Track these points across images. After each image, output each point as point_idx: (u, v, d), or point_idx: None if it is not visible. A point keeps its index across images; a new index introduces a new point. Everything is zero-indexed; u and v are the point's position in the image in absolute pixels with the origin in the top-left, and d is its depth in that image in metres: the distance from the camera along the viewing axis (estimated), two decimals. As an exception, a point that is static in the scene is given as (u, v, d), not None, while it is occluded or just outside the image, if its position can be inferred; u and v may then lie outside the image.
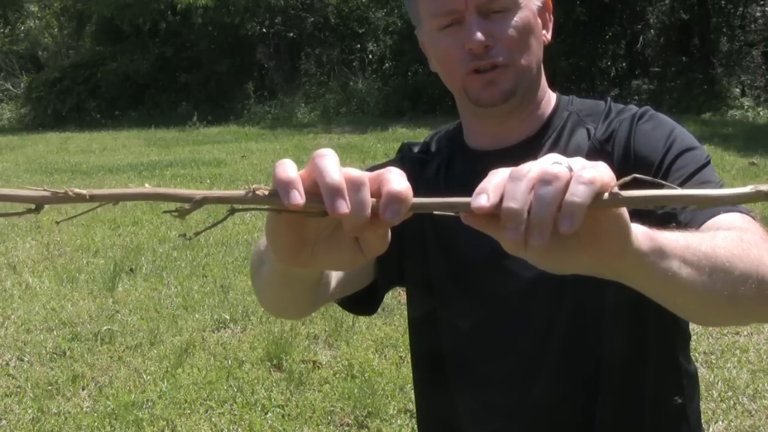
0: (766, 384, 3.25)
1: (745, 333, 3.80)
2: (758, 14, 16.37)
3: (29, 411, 3.22)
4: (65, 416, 3.19)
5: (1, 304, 4.58)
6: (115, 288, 4.77)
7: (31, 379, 3.52)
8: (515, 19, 1.02)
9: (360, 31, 17.94)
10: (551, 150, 1.06)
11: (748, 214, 0.92)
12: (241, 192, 0.58)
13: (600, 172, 0.58)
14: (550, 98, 1.13)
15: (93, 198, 0.55)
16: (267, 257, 0.80)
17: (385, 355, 3.67)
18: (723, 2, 16.46)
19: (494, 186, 0.58)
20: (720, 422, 2.96)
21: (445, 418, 1.16)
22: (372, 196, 0.59)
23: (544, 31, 1.09)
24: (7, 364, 3.72)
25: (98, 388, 3.45)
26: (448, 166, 1.14)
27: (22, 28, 20.86)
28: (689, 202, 0.60)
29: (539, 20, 1.07)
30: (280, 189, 0.57)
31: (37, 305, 4.51)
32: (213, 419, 3.14)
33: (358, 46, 18.20)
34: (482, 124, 1.11)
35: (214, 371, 3.55)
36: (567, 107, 1.13)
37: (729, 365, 3.43)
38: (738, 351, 3.57)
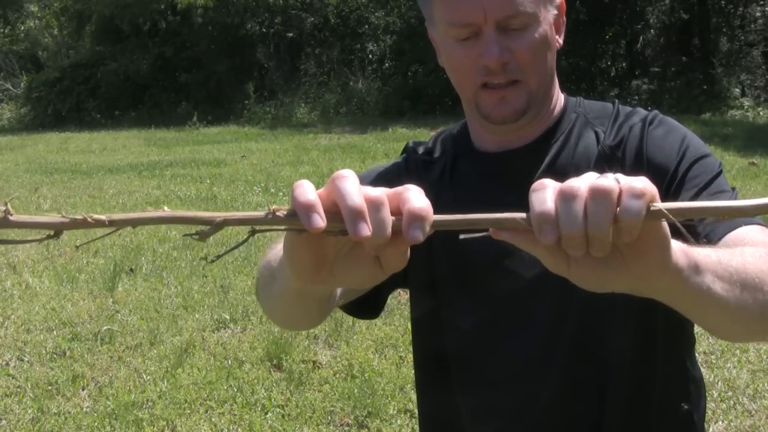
0: (766, 384, 3.25)
1: (745, 333, 3.80)
2: (758, 14, 16.38)
3: (29, 411, 3.22)
4: (65, 416, 3.19)
5: (1, 304, 4.58)
6: (115, 288, 4.77)
7: (31, 379, 3.52)
8: (534, 35, 1.00)
9: (360, 31, 17.94)
10: (559, 153, 1.07)
11: (766, 226, 0.92)
12: (260, 213, 0.58)
13: (647, 184, 0.58)
14: (559, 99, 1.12)
15: (112, 223, 0.56)
16: (281, 274, 0.79)
17: (385, 355, 3.67)
18: (723, 2, 16.46)
19: (547, 211, 0.58)
20: (720, 422, 2.95)
21: (447, 418, 1.16)
22: (392, 214, 0.59)
23: (558, 37, 1.08)
24: (7, 364, 3.72)
25: (98, 388, 3.45)
26: (453, 168, 1.13)
27: (22, 28, 20.87)
28: (724, 213, 0.60)
29: (554, 29, 1.05)
30: (300, 212, 0.58)
31: (37, 305, 4.51)
32: (213, 419, 3.14)
33: (358, 46, 18.20)
34: (490, 131, 1.11)
35: (214, 371, 3.55)
36: (575, 109, 1.12)
37: (729, 365, 3.43)
38: (738, 351, 3.57)
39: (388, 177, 1.16)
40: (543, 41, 1.02)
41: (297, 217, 0.58)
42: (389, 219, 0.58)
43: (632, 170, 1.00)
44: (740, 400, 3.12)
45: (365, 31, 17.91)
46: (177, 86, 16.84)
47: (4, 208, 0.54)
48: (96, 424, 3.11)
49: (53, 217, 0.55)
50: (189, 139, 12.99)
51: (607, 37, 16.41)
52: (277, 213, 0.58)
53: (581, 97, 1.17)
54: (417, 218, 0.58)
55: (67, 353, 3.82)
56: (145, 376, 3.53)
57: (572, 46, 14.72)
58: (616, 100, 1.16)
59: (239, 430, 3.07)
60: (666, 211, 0.58)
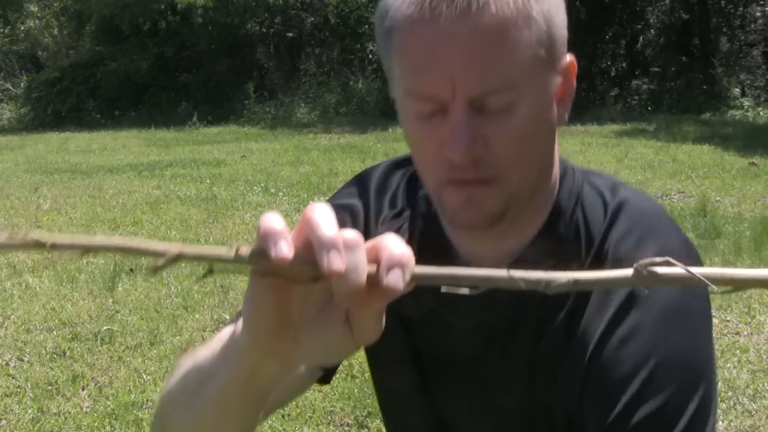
0: (766, 384, 3.25)
1: (745, 333, 3.80)
2: (758, 14, 16.38)
3: (29, 411, 3.22)
4: (65, 416, 3.19)
5: (1, 304, 4.58)
6: (115, 288, 4.77)
7: (31, 379, 3.52)
8: (519, 117, 0.75)
9: (360, 31, 17.93)
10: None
11: None
12: (221, 249, 0.52)
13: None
14: (554, 191, 0.87)
15: (54, 246, 0.51)
16: (219, 369, 0.66)
17: (385, 355, 3.67)
18: (723, 2, 16.47)
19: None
20: (720, 422, 2.95)
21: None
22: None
23: (563, 109, 0.82)
24: (7, 364, 3.72)
25: (98, 388, 3.45)
26: (420, 252, 0.94)
27: (22, 28, 20.85)
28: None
29: (554, 102, 0.80)
30: (265, 241, 0.51)
31: (37, 305, 4.51)
32: (213, 419, 3.14)
33: (358, 46, 18.19)
34: (459, 235, 0.90)
35: (214, 371, 3.55)
36: (566, 218, 0.86)
37: (729, 365, 3.43)
38: (738, 351, 3.57)
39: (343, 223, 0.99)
40: (535, 125, 0.77)
41: (263, 256, 0.51)
42: (365, 263, 0.51)
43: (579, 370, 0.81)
44: (740, 400, 3.12)
45: (365, 31, 17.90)
46: (177, 86, 16.84)
47: None
48: (96, 424, 3.11)
49: None
50: (189, 139, 12.99)
51: (607, 37, 16.41)
52: (241, 250, 0.51)
53: (582, 177, 0.89)
54: (397, 263, 0.51)
55: (67, 353, 3.82)
56: (145, 376, 3.53)
57: (572, 46, 14.68)
58: (618, 195, 0.87)
59: (239, 430, 3.06)
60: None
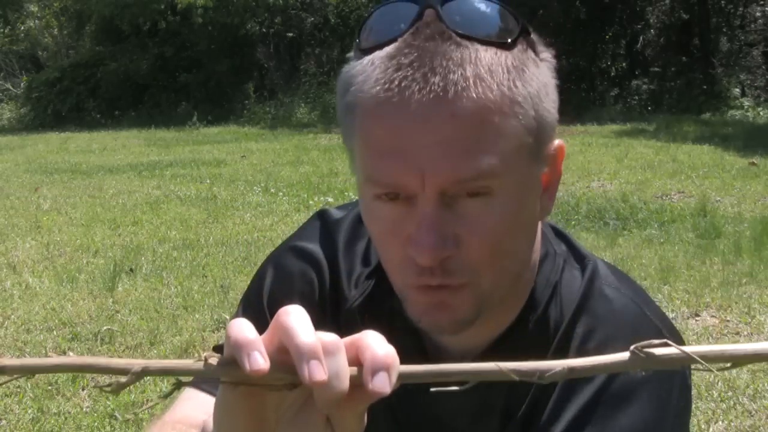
0: (766, 384, 3.25)
1: (745, 333, 3.80)
2: (758, 14, 16.38)
3: (29, 411, 3.22)
4: (65, 416, 3.19)
5: (1, 304, 4.58)
6: (115, 288, 4.77)
7: (31, 379, 3.52)
8: (495, 214, 0.66)
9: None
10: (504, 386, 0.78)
11: None
12: (189, 361, 0.49)
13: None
14: (531, 279, 0.80)
15: (3, 370, 0.49)
16: None
17: (385, 355, 3.67)
18: (723, 2, 16.47)
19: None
20: (720, 422, 2.95)
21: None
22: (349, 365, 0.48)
23: (544, 202, 0.74)
24: None
25: (98, 388, 3.44)
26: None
27: (22, 28, 20.85)
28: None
29: (538, 195, 0.72)
30: (238, 353, 0.47)
31: (37, 305, 4.51)
32: (213, 419, 3.14)
33: (358, 46, 18.20)
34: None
35: (214, 371, 3.55)
36: (546, 305, 0.80)
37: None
38: (738, 351, 3.57)
39: (304, 293, 0.87)
40: (513, 223, 0.68)
41: (234, 365, 0.48)
42: (347, 369, 0.48)
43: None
44: (740, 400, 3.11)
45: (365, 31, 17.90)
46: (177, 86, 16.84)
47: None
48: (96, 424, 3.11)
49: None
50: (189, 139, 12.99)
51: (607, 37, 16.42)
52: (209, 360, 0.48)
53: (562, 265, 0.82)
54: (382, 366, 0.47)
55: (67, 353, 3.81)
56: (145, 376, 3.53)
57: (572, 46, 14.72)
58: (595, 280, 0.80)
59: (239, 430, 3.07)
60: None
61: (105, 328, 4.11)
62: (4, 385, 3.02)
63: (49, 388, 3.44)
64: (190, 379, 0.48)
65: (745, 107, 14.28)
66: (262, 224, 6.42)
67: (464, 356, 0.79)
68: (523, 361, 0.48)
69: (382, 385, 0.47)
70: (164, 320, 4.23)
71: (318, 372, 0.46)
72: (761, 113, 13.79)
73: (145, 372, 0.48)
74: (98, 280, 4.94)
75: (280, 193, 7.75)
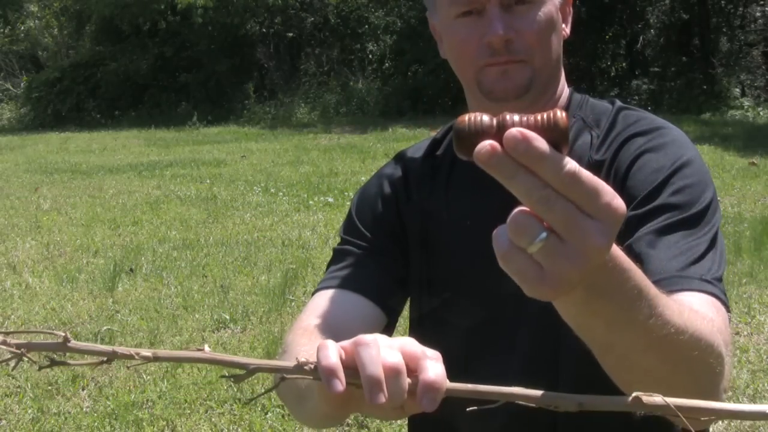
0: (766, 384, 3.25)
1: (745, 333, 3.81)
2: (758, 14, 16.37)
3: (29, 411, 3.22)
4: (65, 416, 3.19)
5: (1, 304, 4.58)
6: (115, 288, 4.77)
7: (31, 379, 3.52)
8: (539, 14, 0.99)
9: (360, 31, 17.94)
10: None
11: (724, 303, 0.87)
12: (289, 364, 0.63)
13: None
14: (564, 92, 1.11)
15: (157, 358, 0.61)
16: (311, 399, 0.81)
17: (385, 355, 3.67)
18: (723, 2, 16.46)
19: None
20: (720, 422, 2.95)
21: (444, 417, 1.16)
22: (408, 375, 0.62)
23: (564, 25, 1.07)
24: (8, 364, 3.72)
25: (98, 388, 3.45)
26: (450, 171, 1.14)
27: (22, 28, 20.85)
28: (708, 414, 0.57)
29: (560, 15, 1.04)
30: (322, 375, 0.61)
31: (37, 305, 4.51)
32: (213, 419, 3.14)
33: (358, 46, 18.20)
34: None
35: (214, 371, 3.55)
36: (576, 111, 1.09)
37: (729, 365, 3.42)
38: (738, 351, 3.57)
39: (387, 200, 1.15)
40: (549, 23, 1.01)
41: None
42: (405, 387, 0.61)
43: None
44: (740, 400, 3.11)
45: (365, 31, 17.91)
46: (177, 86, 16.84)
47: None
48: (96, 424, 3.11)
49: (105, 348, 0.64)
50: (189, 139, 12.99)
51: (607, 37, 16.41)
52: (305, 367, 0.63)
53: (588, 96, 1.14)
54: (431, 390, 0.60)
55: (67, 353, 3.81)
56: (145, 376, 3.53)
57: (572, 46, 14.70)
58: (617, 102, 1.12)
59: (239, 430, 3.07)
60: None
61: (105, 328, 4.11)
62: (4, 386, 3.00)
63: (49, 388, 3.44)
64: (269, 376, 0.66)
65: (745, 107, 14.27)
66: (262, 224, 6.42)
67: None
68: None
69: (430, 405, 0.60)
70: (164, 320, 4.23)
71: (379, 398, 0.60)
72: (761, 113, 13.78)
73: (257, 369, 0.62)
74: (98, 280, 4.94)
75: (280, 193, 7.75)
